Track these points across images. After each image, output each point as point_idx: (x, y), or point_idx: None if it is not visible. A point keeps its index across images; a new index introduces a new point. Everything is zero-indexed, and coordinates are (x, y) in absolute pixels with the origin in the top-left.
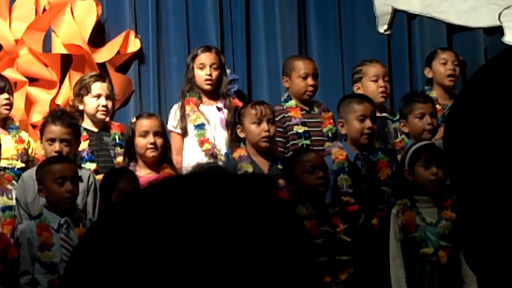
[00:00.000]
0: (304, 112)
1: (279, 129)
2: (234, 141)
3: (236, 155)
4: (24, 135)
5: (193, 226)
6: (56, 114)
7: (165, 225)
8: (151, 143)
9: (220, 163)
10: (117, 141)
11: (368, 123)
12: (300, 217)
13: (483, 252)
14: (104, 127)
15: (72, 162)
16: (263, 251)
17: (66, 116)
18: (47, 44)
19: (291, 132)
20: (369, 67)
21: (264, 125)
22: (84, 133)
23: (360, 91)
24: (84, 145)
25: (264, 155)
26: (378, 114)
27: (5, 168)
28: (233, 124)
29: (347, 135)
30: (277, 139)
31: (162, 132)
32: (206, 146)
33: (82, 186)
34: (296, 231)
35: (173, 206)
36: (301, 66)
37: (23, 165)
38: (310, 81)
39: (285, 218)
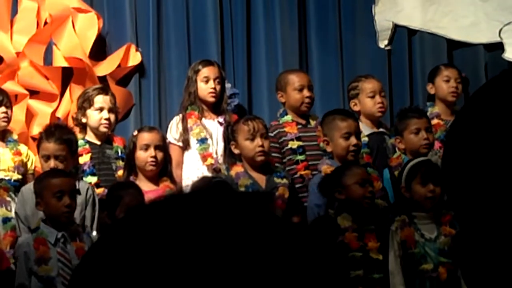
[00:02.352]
0: (300, 126)
1: (275, 144)
2: (229, 157)
3: (233, 172)
4: (22, 148)
5: (195, 246)
6: (49, 131)
7: (168, 244)
8: (151, 157)
9: (223, 177)
10: (119, 154)
11: (353, 140)
12: (299, 231)
13: (481, 271)
14: (106, 140)
15: (71, 176)
16: (264, 270)
17: (60, 132)
18: (48, 57)
19: (287, 147)
20: (365, 83)
21: (258, 140)
22: (87, 146)
23: (357, 108)
24: (86, 158)
25: (260, 169)
26: (375, 130)
27: (1, 180)
28: (226, 140)
29: (333, 153)
30: (273, 154)
31: (163, 146)
32: (210, 160)
33: (80, 199)
34: (296, 247)
35: (176, 225)
36: (295, 79)
37: (20, 176)
38: (306, 92)
39: (284, 236)
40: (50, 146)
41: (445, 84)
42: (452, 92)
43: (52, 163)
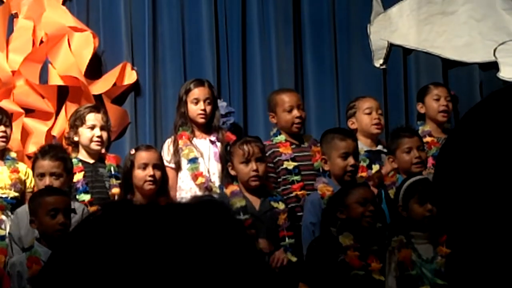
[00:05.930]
0: (294, 146)
1: (269, 164)
2: (226, 177)
3: (228, 191)
4: (21, 165)
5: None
6: (44, 149)
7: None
8: (150, 176)
9: (215, 196)
10: (113, 172)
11: (350, 160)
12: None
13: None
14: (99, 158)
15: (65, 194)
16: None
17: (54, 150)
18: (43, 75)
19: (282, 167)
20: (361, 102)
21: (253, 165)
22: (80, 165)
23: (354, 126)
24: (79, 176)
25: (255, 192)
26: (373, 148)
27: None
28: (224, 160)
29: (330, 171)
30: (269, 174)
31: (161, 165)
32: (200, 179)
33: (76, 218)
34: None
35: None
36: (284, 99)
37: (17, 194)
38: (295, 113)
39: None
40: (45, 163)
41: (435, 102)
42: (442, 111)
43: (47, 180)
